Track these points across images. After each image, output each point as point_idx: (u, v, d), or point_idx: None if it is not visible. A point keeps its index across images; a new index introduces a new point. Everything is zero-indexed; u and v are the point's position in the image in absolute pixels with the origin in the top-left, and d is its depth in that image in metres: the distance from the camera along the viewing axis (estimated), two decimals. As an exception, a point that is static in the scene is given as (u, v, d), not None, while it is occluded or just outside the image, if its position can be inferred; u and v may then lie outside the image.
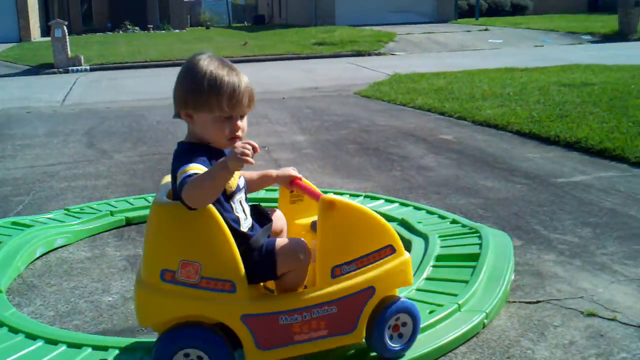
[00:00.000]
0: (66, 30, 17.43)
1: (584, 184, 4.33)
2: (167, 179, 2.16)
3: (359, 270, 2.09)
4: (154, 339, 2.36)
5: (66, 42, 17.25)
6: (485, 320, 2.40)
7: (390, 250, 2.15)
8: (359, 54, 18.78)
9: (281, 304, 2.02)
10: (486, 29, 23.93)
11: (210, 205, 1.92)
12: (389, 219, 3.57)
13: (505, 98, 7.92)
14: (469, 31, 23.67)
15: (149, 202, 4.07)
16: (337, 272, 2.06)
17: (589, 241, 3.27)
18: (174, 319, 1.95)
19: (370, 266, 2.11)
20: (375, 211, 3.52)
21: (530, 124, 6.19)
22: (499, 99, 7.88)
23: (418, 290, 2.66)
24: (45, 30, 27.00)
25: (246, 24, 39.66)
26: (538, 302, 2.63)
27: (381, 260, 2.12)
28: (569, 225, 3.53)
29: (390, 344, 2.17)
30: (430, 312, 2.42)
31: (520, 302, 2.64)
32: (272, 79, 13.07)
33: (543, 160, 5.09)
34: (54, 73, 16.82)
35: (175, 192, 1.96)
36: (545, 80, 9.31)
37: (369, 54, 18.74)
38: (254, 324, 1.98)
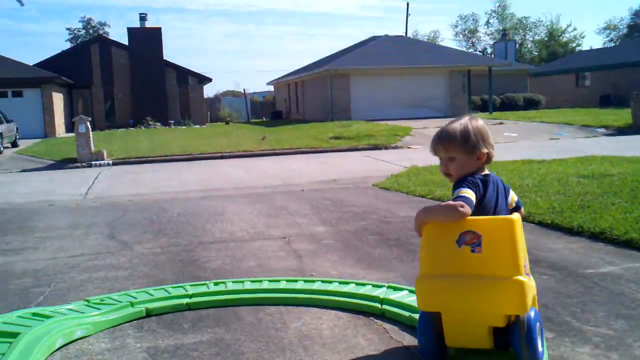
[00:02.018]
0: (89, 126, 17.94)
1: (612, 274, 4.23)
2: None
3: None
4: None
5: (89, 137, 17.73)
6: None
7: None
8: (375, 147, 19.06)
9: None
10: (501, 123, 24.28)
11: None
12: (414, 310, 3.50)
13: (524, 189, 7.91)
14: (483, 125, 24.05)
15: (169, 293, 4.03)
16: None
17: (625, 333, 3.15)
18: None
19: None
20: (401, 303, 3.47)
21: (552, 215, 6.14)
22: (518, 190, 7.86)
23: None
24: (70, 127, 27.82)
25: (264, 120, 40.60)
26: (576, 397, 2.51)
27: None
28: (601, 317, 3.42)
29: None
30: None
31: (556, 397, 2.52)
32: (290, 172, 13.22)
33: (568, 250, 5.01)
34: (77, 167, 17.20)
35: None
36: (563, 172, 9.32)
37: (386, 148, 19.01)
38: None
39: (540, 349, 2.60)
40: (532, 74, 42.04)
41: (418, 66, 30.77)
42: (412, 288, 3.91)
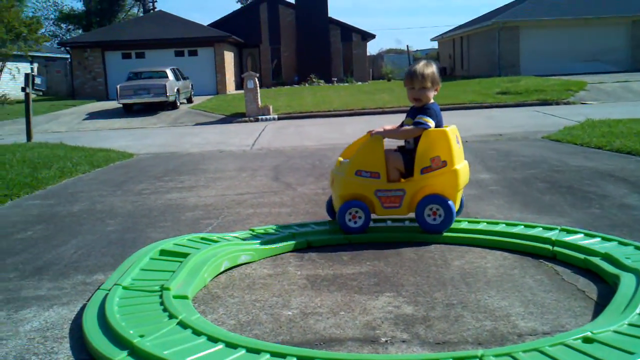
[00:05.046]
0: (257, 82, 18.57)
1: None
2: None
3: None
4: (333, 353, 2.28)
5: (257, 93, 18.38)
6: None
7: None
8: (545, 102, 17.98)
9: None
10: (692, 77, 21.87)
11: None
12: (591, 253, 3.21)
13: None
14: (671, 79, 21.79)
15: (331, 227, 4.04)
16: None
17: None
18: None
19: None
20: (575, 245, 3.18)
21: None
22: None
23: (631, 325, 2.29)
24: (239, 84, 29.11)
25: (427, 77, 39.80)
26: None
27: None
28: None
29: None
30: (651, 348, 2.07)
31: None
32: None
33: None
34: (245, 121, 17.95)
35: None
36: None
37: (557, 103, 17.86)
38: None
39: None
40: None
41: (596, 16, 28.40)
42: (589, 231, 3.61)
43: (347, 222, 3.89)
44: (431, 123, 3.86)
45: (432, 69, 3.95)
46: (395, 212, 3.93)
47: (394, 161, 3.92)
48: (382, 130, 4.01)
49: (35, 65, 32.07)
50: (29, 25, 26.89)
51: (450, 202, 3.79)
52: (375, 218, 4.09)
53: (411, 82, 3.95)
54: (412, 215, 3.93)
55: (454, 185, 3.83)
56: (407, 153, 3.95)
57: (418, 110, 3.96)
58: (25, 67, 29.89)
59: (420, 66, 3.96)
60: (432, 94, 3.97)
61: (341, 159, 4.15)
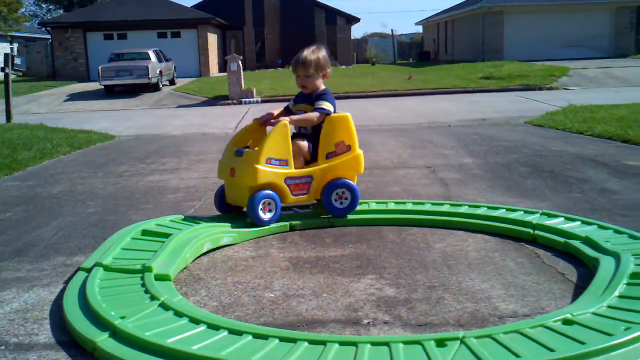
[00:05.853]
0: (241, 65, 18.45)
1: None
2: None
3: None
4: (315, 334, 2.27)
5: (240, 75, 18.27)
6: (698, 344, 2.03)
7: None
8: (528, 87, 18.08)
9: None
10: (672, 63, 22.05)
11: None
12: (571, 236, 3.24)
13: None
14: (652, 65, 21.96)
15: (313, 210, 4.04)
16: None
17: None
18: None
19: None
20: (555, 229, 3.21)
21: None
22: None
23: (610, 307, 2.32)
24: (223, 67, 28.91)
25: (411, 61, 39.83)
26: None
27: None
28: None
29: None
30: (626, 329, 2.10)
31: None
32: (436, 110, 12.88)
33: None
34: (228, 104, 17.86)
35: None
36: None
37: (540, 88, 17.96)
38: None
39: None
40: None
41: (580, 2, 28.53)
42: (569, 215, 3.64)
43: (261, 214, 3.69)
44: (331, 108, 3.88)
45: (317, 55, 3.90)
46: (302, 199, 3.89)
47: (301, 147, 3.87)
48: (271, 115, 3.97)
49: (15, 46, 31.66)
50: (8, 4, 26.49)
51: (355, 185, 3.91)
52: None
53: (296, 69, 3.94)
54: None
55: (358, 168, 3.95)
56: (306, 139, 3.94)
57: (313, 97, 3.93)
58: (4, 47, 29.49)
59: (305, 53, 3.92)
60: (319, 81, 3.95)
61: (232, 147, 3.95)
